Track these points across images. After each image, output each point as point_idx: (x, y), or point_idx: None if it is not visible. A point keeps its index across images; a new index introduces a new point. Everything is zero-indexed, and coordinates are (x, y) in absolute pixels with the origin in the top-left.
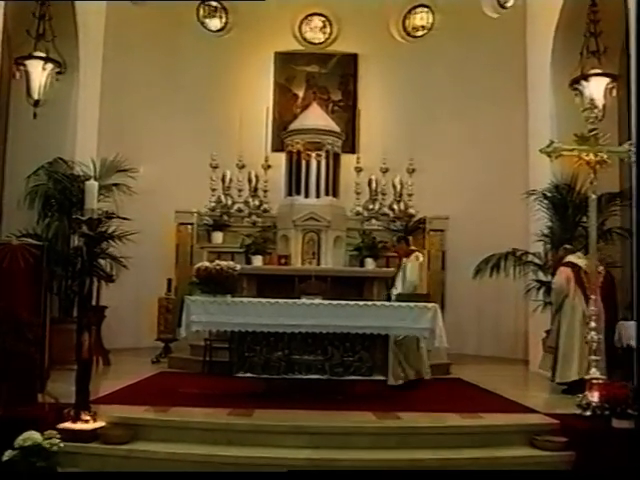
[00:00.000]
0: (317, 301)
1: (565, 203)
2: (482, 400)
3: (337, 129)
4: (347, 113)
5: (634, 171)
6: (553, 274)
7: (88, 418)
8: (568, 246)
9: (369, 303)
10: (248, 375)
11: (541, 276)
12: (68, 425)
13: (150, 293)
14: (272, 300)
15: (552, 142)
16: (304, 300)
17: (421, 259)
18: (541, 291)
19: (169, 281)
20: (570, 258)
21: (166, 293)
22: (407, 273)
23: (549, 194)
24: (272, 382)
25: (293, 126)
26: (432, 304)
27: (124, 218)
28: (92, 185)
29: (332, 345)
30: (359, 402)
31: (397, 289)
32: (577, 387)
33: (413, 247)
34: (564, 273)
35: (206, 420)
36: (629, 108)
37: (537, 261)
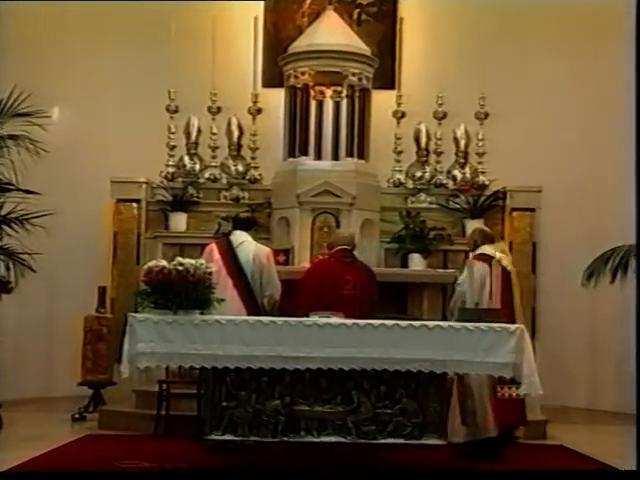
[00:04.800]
0: (335, 320)
1: None
2: None
3: (366, 50)
4: (383, 25)
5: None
6: None
7: None
8: (486, 229)
9: (416, 323)
10: (227, 438)
11: None
12: None
13: (71, 310)
14: (265, 319)
15: None
16: (315, 319)
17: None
18: None
19: (102, 291)
20: (485, 249)
21: (98, 309)
22: None
23: None
24: (265, 448)
25: (296, 46)
26: (516, 325)
27: (28, 191)
28: None
29: (359, 389)
30: None
31: None
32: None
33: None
34: (479, 270)
35: None
36: None
37: None
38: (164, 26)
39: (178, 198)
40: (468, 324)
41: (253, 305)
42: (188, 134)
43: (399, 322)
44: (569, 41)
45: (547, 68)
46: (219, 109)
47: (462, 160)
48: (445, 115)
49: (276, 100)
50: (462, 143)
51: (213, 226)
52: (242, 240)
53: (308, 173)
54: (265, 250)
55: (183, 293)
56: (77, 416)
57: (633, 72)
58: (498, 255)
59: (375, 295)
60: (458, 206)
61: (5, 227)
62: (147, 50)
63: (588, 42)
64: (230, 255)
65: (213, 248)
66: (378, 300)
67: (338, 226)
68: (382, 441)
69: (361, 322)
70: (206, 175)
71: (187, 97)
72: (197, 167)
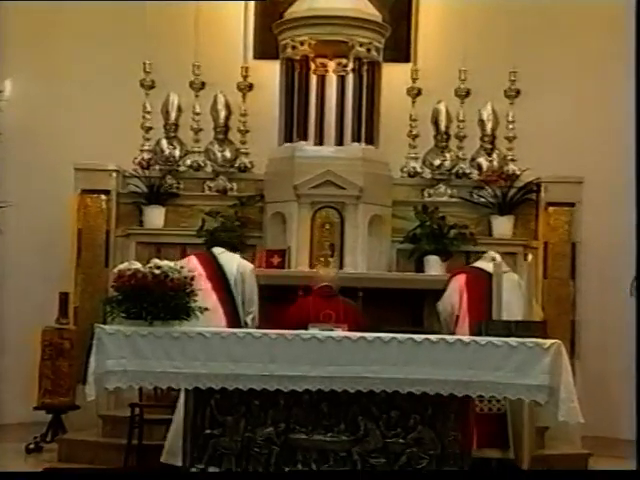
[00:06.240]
0: (338, 334)
1: None
2: None
3: (377, 16)
4: None
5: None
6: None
7: None
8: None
9: (433, 337)
10: (211, 471)
11: None
12: None
13: (26, 320)
14: (256, 331)
15: None
16: (315, 332)
17: None
18: None
19: (64, 298)
20: (480, 262)
21: (58, 320)
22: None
23: None
24: None
25: (294, 11)
26: (552, 341)
27: None
28: None
29: (366, 415)
30: None
31: None
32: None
33: None
34: (456, 283)
35: None
36: None
37: None
38: None
39: (155, 189)
40: (495, 339)
41: (237, 321)
42: (167, 114)
43: (413, 336)
44: (615, 8)
45: (589, 39)
46: (203, 84)
47: (489, 146)
48: (469, 93)
49: (270, 74)
50: (489, 126)
51: (195, 222)
52: (223, 250)
53: (307, 161)
54: (250, 265)
55: (160, 301)
56: (32, 446)
57: None
58: (498, 259)
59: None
60: (484, 200)
61: None
62: (118, 15)
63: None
64: (214, 264)
65: (191, 259)
66: None
67: (342, 223)
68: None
69: (369, 335)
70: (188, 162)
71: (165, 70)
72: (177, 153)
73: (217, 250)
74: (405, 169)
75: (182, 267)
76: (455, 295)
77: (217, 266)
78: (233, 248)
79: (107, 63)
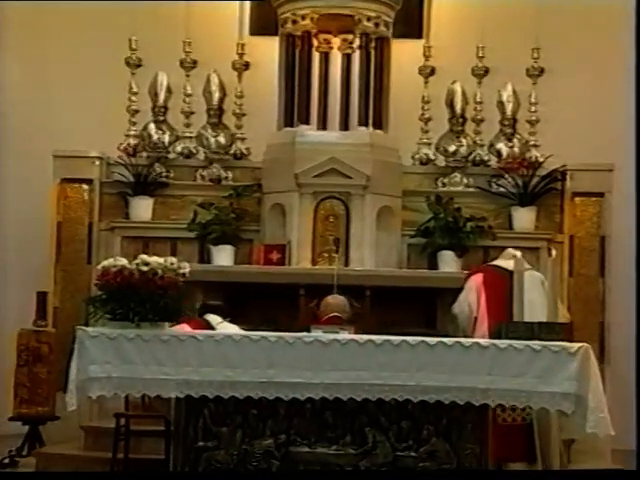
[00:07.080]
0: (344, 336)
1: None
2: None
3: None
4: None
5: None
6: None
7: None
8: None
9: (448, 340)
10: None
11: None
12: None
13: (1, 323)
14: (254, 334)
15: None
16: (318, 334)
17: None
18: None
19: (42, 298)
20: (499, 260)
21: (35, 322)
22: None
23: None
24: None
25: None
26: (579, 344)
27: None
28: None
29: (374, 426)
30: None
31: None
32: None
33: None
34: (473, 282)
35: None
36: None
37: None
38: None
39: (142, 178)
40: (516, 342)
41: None
42: (155, 95)
43: (426, 339)
44: None
45: (620, 13)
46: (195, 63)
47: (509, 130)
48: (487, 71)
49: (268, 52)
50: (509, 108)
51: (187, 215)
52: (221, 320)
53: (309, 147)
54: None
55: (148, 301)
56: (7, 461)
57: None
58: (518, 256)
59: None
60: (503, 190)
61: None
62: None
63: None
64: None
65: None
66: None
67: (348, 215)
68: None
69: (377, 338)
70: (178, 149)
71: (153, 47)
72: (166, 138)
73: (214, 320)
74: (417, 156)
75: (172, 263)
76: (472, 294)
77: None
78: (223, 314)
79: (89, 40)
